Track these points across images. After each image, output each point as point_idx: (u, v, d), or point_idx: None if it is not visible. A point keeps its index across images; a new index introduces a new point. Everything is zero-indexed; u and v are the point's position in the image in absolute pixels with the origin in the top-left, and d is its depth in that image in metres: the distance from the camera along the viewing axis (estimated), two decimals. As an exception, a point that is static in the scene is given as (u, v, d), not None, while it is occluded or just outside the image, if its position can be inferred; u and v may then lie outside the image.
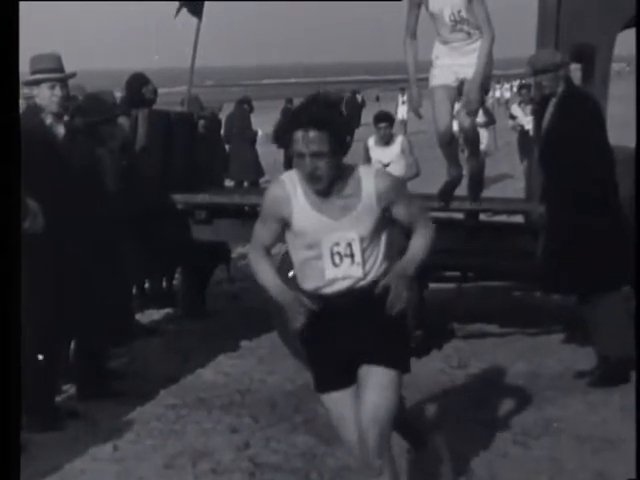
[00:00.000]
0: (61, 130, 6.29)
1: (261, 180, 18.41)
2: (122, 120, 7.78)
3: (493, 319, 8.24)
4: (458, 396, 6.71)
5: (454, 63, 7.01)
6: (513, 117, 16.81)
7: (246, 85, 71.19)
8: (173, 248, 8.27)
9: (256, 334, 8.28)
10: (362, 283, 4.18)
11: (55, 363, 6.34)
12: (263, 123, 22.36)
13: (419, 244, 4.28)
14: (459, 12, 6.85)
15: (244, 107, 18.82)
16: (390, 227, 4.30)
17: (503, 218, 8.28)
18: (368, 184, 4.11)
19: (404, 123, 34.07)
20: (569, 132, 6.65)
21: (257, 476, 5.32)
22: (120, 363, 7.55)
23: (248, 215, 7.89)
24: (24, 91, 6.64)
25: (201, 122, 9.38)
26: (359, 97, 38.04)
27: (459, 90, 7.09)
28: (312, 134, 3.95)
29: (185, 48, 9.44)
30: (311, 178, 4.02)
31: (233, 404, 6.60)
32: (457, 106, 7.27)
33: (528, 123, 14.77)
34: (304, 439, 5.88)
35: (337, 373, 4.26)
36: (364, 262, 4.18)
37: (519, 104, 17.01)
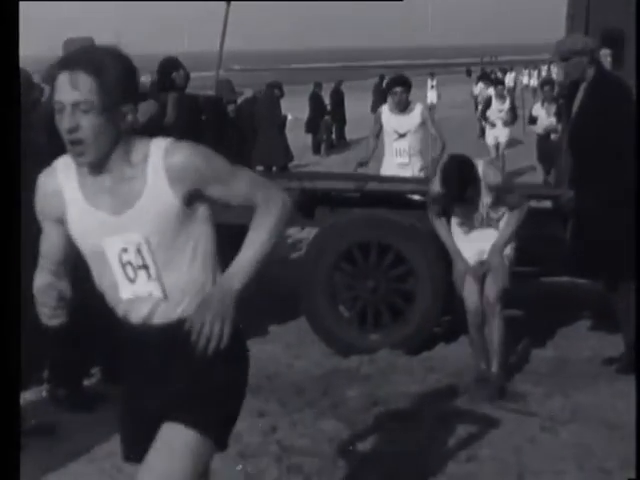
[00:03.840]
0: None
1: (290, 165, 18.45)
2: (147, 104, 7.79)
3: (521, 305, 8.21)
4: (485, 382, 6.70)
5: (479, 249, 6.55)
6: (534, 120, 16.02)
7: (274, 69, 71.16)
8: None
9: (284, 319, 8.30)
10: (166, 308, 3.02)
11: (83, 343, 6.38)
12: (292, 108, 22.41)
13: (257, 238, 3.06)
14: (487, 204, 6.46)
15: (274, 91, 18.73)
16: (208, 228, 3.07)
17: (532, 204, 8.24)
18: (157, 162, 2.92)
19: (433, 108, 34.01)
20: (600, 116, 6.61)
21: (284, 460, 5.33)
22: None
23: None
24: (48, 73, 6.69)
25: (231, 106, 9.33)
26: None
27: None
28: (77, 77, 2.82)
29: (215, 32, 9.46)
30: (70, 143, 2.86)
31: (260, 388, 6.60)
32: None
33: (550, 127, 14.51)
34: (331, 424, 5.88)
35: (144, 438, 3.05)
36: (163, 276, 2.98)
37: (542, 103, 16.38)
